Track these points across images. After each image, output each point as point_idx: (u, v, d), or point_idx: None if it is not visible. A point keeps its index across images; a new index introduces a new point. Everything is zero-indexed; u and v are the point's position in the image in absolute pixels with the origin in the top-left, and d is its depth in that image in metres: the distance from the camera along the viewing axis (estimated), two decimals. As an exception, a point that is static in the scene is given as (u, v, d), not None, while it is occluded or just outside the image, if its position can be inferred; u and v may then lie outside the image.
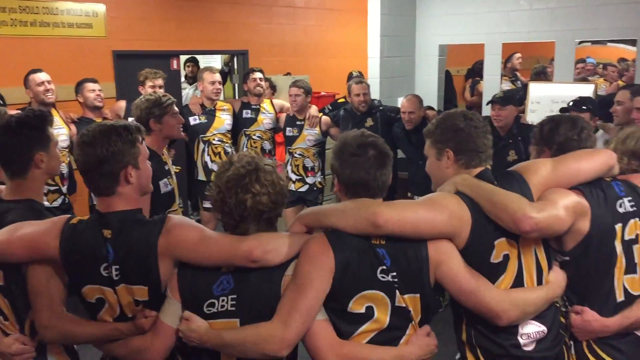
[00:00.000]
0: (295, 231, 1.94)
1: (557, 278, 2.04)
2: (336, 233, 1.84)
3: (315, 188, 5.32)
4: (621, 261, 2.11)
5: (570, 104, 4.18)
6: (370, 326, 1.84)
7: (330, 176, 5.66)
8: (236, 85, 6.96)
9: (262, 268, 1.81)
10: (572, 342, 2.14)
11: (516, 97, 4.84)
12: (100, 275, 1.86)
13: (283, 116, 5.41)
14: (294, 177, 5.30)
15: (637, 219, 2.14)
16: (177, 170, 3.64)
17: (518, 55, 7.33)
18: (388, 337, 1.86)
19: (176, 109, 3.39)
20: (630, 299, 2.12)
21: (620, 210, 2.11)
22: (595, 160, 2.11)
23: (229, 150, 5.17)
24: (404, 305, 1.85)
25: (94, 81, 4.74)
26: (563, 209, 1.95)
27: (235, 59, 6.95)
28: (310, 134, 5.27)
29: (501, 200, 1.89)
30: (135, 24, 5.73)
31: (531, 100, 6.08)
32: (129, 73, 5.54)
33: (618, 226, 2.10)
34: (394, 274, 1.83)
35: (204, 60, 8.87)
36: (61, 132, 4.50)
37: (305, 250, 1.84)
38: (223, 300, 1.82)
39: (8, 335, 2.04)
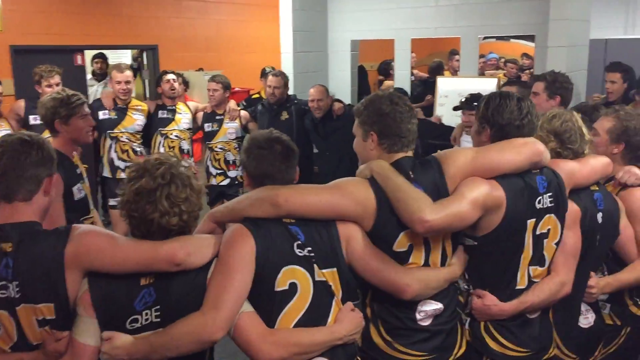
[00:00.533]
0: (204, 230, 1.96)
1: (459, 261, 2.14)
2: (251, 219, 1.90)
3: (236, 182, 5.31)
4: (528, 252, 2.18)
5: (462, 101, 4.32)
6: (295, 304, 1.87)
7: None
8: (146, 81, 6.78)
9: (184, 274, 1.76)
10: (467, 319, 2.24)
11: (414, 93, 4.98)
12: None
13: (200, 115, 5.35)
14: (214, 171, 5.28)
15: (553, 214, 2.19)
16: (85, 168, 3.48)
17: (413, 55, 7.58)
18: (314, 315, 1.90)
19: (87, 110, 3.13)
20: (531, 285, 2.22)
21: (538, 206, 2.15)
22: (521, 154, 2.10)
23: (138, 149, 5.05)
24: (324, 279, 1.91)
25: None
26: (470, 204, 1.99)
27: (144, 54, 6.76)
28: (230, 128, 5.25)
29: (403, 198, 1.94)
30: (35, 18, 5.45)
31: (439, 95, 6.29)
32: (28, 69, 5.23)
33: (531, 221, 2.14)
34: (309, 248, 1.89)
35: (113, 56, 8.57)
36: None
37: (225, 239, 1.86)
38: (147, 314, 1.76)
39: None
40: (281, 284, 1.86)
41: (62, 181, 2.78)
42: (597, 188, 2.42)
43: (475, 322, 2.23)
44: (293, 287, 1.87)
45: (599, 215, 2.37)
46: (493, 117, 2.18)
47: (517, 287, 2.19)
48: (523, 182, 2.12)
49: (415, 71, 7.28)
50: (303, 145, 5.27)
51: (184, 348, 1.72)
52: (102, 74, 6.84)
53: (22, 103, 4.76)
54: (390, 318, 2.09)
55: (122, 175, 4.93)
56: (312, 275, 1.89)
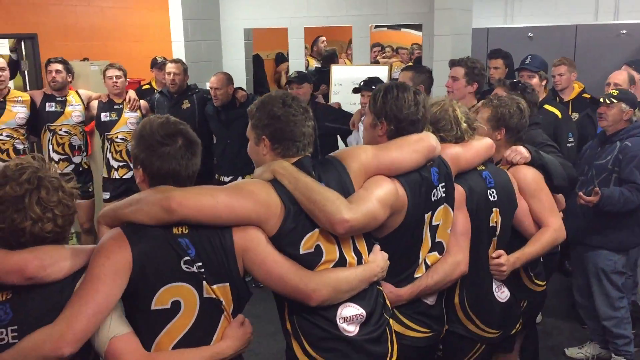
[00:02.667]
0: (103, 232, 1.80)
1: (375, 258, 2.05)
2: (134, 226, 1.73)
3: None
4: (427, 243, 2.25)
5: (362, 83, 4.44)
6: (178, 322, 1.75)
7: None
8: (26, 72, 6.32)
9: (45, 289, 1.62)
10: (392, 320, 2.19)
11: (310, 76, 5.06)
12: None
13: (94, 104, 5.06)
14: (116, 164, 5.04)
15: (445, 204, 2.25)
16: None
17: (323, 38, 7.60)
18: (199, 334, 1.78)
19: None
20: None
21: (433, 198, 2.20)
22: (418, 151, 2.12)
23: (20, 147, 4.71)
24: (214, 296, 1.78)
25: None
26: (379, 204, 1.97)
27: (22, 43, 6.30)
28: (132, 117, 5.04)
29: (319, 199, 1.86)
30: None
31: (334, 83, 6.37)
32: None
33: (427, 214, 2.20)
34: (200, 264, 1.75)
35: (-12, 46, 7.93)
36: None
37: (99, 246, 1.71)
38: (2, 334, 1.60)
39: None
40: (161, 302, 1.72)
41: None
42: (484, 167, 2.52)
43: None
44: (176, 306, 1.74)
45: (491, 192, 2.47)
46: (392, 111, 2.15)
47: (416, 275, 2.24)
48: (420, 177, 2.15)
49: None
50: (204, 135, 5.17)
51: None
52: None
53: None
54: (314, 329, 1.94)
55: None
56: (200, 293, 1.76)
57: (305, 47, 7.01)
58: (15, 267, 1.57)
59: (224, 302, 1.81)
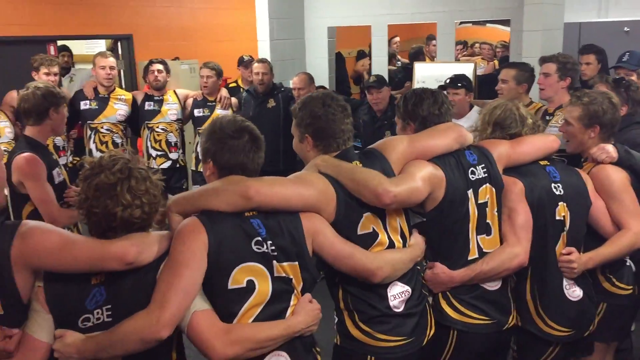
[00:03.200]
0: (175, 220, 1.91)
1: (417, 241, 2.26)
2: (207, 213, 1.87)
3: None
4: (474, 222, 2.33)
5: (447, 81, 4.39)
6: (254, 300, 1.86)
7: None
8: (121, 71, 6.68)
9: (134, 273, 1.75)
10: (431, 297, 2.36)
11: (395, 79, 5.03)
12: None
13: (190, 102, 5.29)
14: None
15: (488, 184, 2.36)
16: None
17: (397, 39, 7.58)
18: (274, 310, 1.89)
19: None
20: (483, 256, 2.34)
21: (472, 177, 2.33)
22: (448, 137, 2.32)
23: (118, 141, 4.99)
24: (284, 274, 1.90)
25: None
26: (420, 181, 2.17)
27: (119, 44, 6.66)
28: (222, 114, 5.16)
29: (362, 177, 2.06)
30: (5, 8, 5.33)
31: (417, 80, 6.31)
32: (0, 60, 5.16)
33: (470, 192, 2.32)
34: (270, 242, 1.88)
35: (86, 46, 8.43)
36: None
37: (177, 233, 1.83)
38: (98, 313, 1.75)
39: None
40: (236, 282, 1.84)
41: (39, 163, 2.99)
42: (548, 162, 2.54)
43: (436, 296, 2.35)
44: (250, 285, 1.85)
45: (556, 186, 2.47)
46: (414, 111, 2.39)
47: (470, 258, 2.33)
48: (455, 159, 2.32)
49: (398, 56, 7.30)
50: (290, 133, 5.30)
51: (129, 347, 1.71)
52: (67, 68, 6.74)
53: (14, 94, 4.66)
54: (366, 308, 2.14)
55: None
56: (271, 272, 1.88)
57: (394, 43, 6.98)
58: (116, 255, 1.70)
59: (293, 280, 1.92)
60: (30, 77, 4.50)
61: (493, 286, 2.37)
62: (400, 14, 6.60)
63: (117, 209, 1.73)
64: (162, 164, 5.14)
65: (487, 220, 2.37)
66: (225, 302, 1.84)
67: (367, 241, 2.13)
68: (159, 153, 5.16)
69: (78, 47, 7.06)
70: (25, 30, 5.49)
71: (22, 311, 1.75)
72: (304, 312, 1.92)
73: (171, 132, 5.19)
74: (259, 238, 1.87)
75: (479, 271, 2.31)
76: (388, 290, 2.15)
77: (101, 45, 8.34)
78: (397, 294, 2.16)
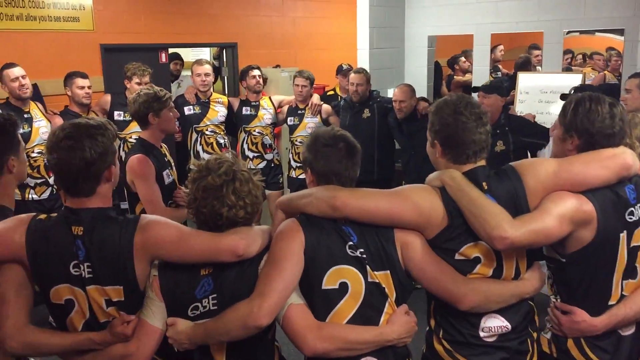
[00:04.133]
0: (280, 217, 2.04)
1: (532, 276, 2.02)
2: (305, 215, 1.94)
3: None
4: (622, 266, 2.04)
5: (572, 91, 4.18)
6: (346, 303, 1.88)
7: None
8: (225, 77, 6.94)
9: (238, 265, 1.84)
10: (544, 335, 2.14)
11: (503, 87, 4.84)
12: (69, 274, 1.81)
13: (285, 108, 5.47)
14: (295, 164, 5.42)
15: None
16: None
17: (501, 47, 7.37)
18: (366, 315, 1.89)
19: (172, 103, 3.44)
20: (622, 299, 2.08)
21: (629, 218, 2.01)
22: (608, 169, 1.97)
23: (222, 141, 5.28)
24: (377, 281, 1.89)
25: (84, 76, 4.70)
26: (556, 220, 1.88)
27: (224, 51, 6.92)
28: (310, 122, 5.35)
29: (480, 213, 1.86)
30: (123, 17, 5.69)
31: (520, 91, 6.10)
32: (117, 67, 5.50)
33: (623, 234, 2.01)
34: (362, 250, 1.89)
35: (192, 54, 8.83)
36: (41, 124, 4.51)
37: (278, 232, 1.92)
38: (205, 302, 1.85)
39: None
40: (330, 282, 1.88)
41: (149, 164, 3.14)
42: None
43: (562, 338, 2.11)
44: (343, 287, 1.88)
45: None
46: (582, 125, 2.02)
47: (610, 303, 2.06)
48: (612, 194, 1.98)
49: (499, 65, 7.12)
50: (385, 143, 5.24)
51: (233, 333, 1.80)
52: (177, 75, 7.12)
53: (108, 98, 5.01)
54: (453, 331, 2.02)
55: None
56: (365, 276, 1.89)
57: (500, 51, 6.80)
58: (229, 248, 1.80)
59: (386, 289, 1.91)
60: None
61: (628, 331, 2.11)
62: (504, 23, 6.45)
63: (223, 209, 1.84)
64: (258, 164, 5.38)
65: (636, 264, 2.07)
66: (319, 302, 1.88)
67: (466, 267, 1.95)
68: (256, 154, 5.40)
69: (185, 54, 7.42)
70: (140, 39, 5.83)
71: (140, 298, 1.86)
72: (398, 323, 1.91)
73: (266, 135, 5.42)
74: (352, 243, 1.90)
75: (623, 317, 2.05)
76: (482, 321, 1.97)
77: (206, 52, 8.72)
78: (493, 327, 1.98)
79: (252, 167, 5.28)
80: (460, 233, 1.92)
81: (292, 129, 5.42)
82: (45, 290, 1.85)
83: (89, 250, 1.79)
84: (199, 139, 5.21)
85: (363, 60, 6.65)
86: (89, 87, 4.69)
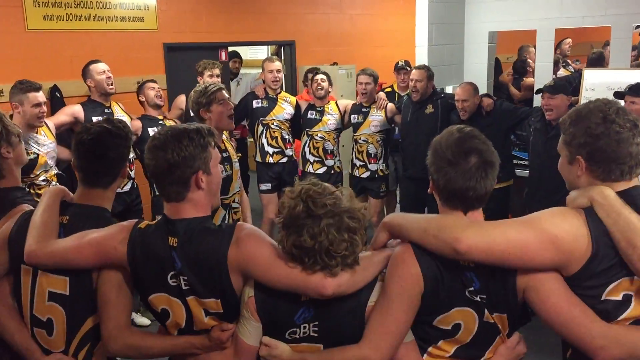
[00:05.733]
0: (381, 241, 1.85)
1: None
2: (423, 249, 1.72)
3: (377, 175, 5.37)
4: None
5: (627, 89, 4.02)
6: (455, 339, 1.78)
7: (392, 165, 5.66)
8: (283, 75, 6.99)
9: (342, 299, 1.73)
10: None
11: (569, 86, 4.68)
12: (167, 285, 1.80)
13: (349, 107, 5.45)
14: (358, 163, 5.41)
15: None
16: (238, 156, 3.74)
17: (568, 40, 7.13)
18: (474, 350, 1.79)
19: (225, 94, 3.37)
20: None
21: None
22: None
23: (287, 137, 5.35)
24: (492, 321, 1.76)
25: (153, 81, 4.84)
26: None
27: (282, 49, 6.98)
28: (375, 120, 5.32)
29: None
30: (185, 17, 5.82)
31: (585, 87, 5.89)
32: (179, 65, 5.65)
33: None
34: (483, 295, 1.72)
35: (250, 52, 8.96)
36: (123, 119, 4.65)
37: (392, 269, 1.75)
38: (305, 327, 1.77)
39: (50, 354, 1.97)
40: (442, 323, 1.75)
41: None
42: None
43: None
44: (455, 328, 1.76)
45: None
46: None
47: None
48: None
49: (568, 60, 6.90)
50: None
51: None
52: (236, 73, 7.23)
53: (183, 97, 5.14)
54: None
55: (271, 160, 5.31)
56: (481, 317, 1.75)
57: (566, 44, 6.60)
58: (315, 287, 1.68)
59: (500, 327, 1.78)
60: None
61: None
62: (569, 18, 6.24)
63: (316, 267, 1.70)
64: (318, 169, 5.37)
65: None
66: (424, 334, 1.79)
67: (612, 310, 1.64)
68: (316, 159, 5.39)
69: (242, 53, 7.52)
70: (201, 37, 5.94)
71: (238, 309, 1.82)
72: (506, 356, 1.79)
73: (329, 140, 5.37)
74: (473, 289, 1.71)
75: None
76: None
77: (263, 51, 8.82)
78: None
79: (312, 171, 5.31)
80: (609, 267, 1.62)
81: (356, 127, 5.38)
82: (145, 296, 1.87)
83: (184, 262, 1.76)
84: (264, 132, 5.30)
85: (421, 57, 6.58)
86: (159, 89, 4.82)
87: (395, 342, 1.71)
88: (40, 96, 3.89)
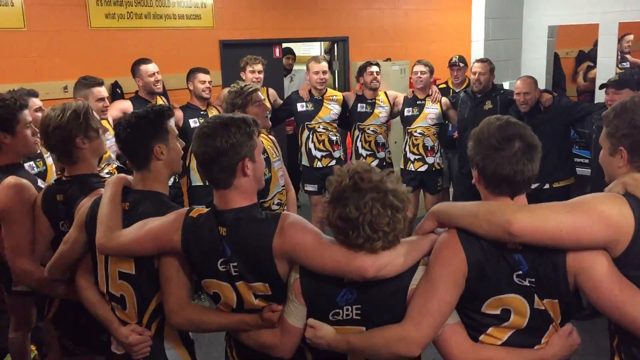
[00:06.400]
0: (427, 228, 1.87)
1: None
2: (468, 233, 1.75)
3: (434, 169, 5.30)
4: None
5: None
6: (507, 325, 1.77)
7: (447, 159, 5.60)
8: (336, 72, 6.99)
9: (384, 282, 1.77)
10: None
11: (633, 80, 4.50)
12: (217, 271, 1.91)
13: (400, 100, 5.39)
14: (412, 157, 5.31)
15: None
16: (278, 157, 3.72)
17: (630, 37, 6.85)
18: (525, 339, 1.78)
19: (260, 96, 3.40)
20: None
21: None
22: None
23: (334, 138, 5.26)
24: (543, 308, 1.75)
25: (206, 72, 4.90)
26: None
27: (335, 46, 6.98)
28: (431, 113, 5.25)
29: None
30: (240, 14, 5.89)
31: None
32: (234, 61, 5.71)
33: None
34: (532, 279, 1.72)
35: (303, 48, 9.00)
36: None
37: (437, 252, 1.79)
38: (348, 310, 1.82)
39: (125, 325, 2.13)
40: (490, 308, 1.76)
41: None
42: None
43: None
44: (505, 314, 1.76)
45: None
46: None
47: None
48: None
49: (629, 57, 6.65)
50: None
51: (379, 356, 1.78)
52: (289, 70, 7.26)
53: (226, 91, 5.19)
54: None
55: (319, 164, 5.20)
56: (531, 304, 1.74)
57: (626, 42, 6.36)
58: (358, 270, 1.73)
59: (552, 315, 1.77)
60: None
61: None
62: (634, 11, 5.99)
63: (359, 240, 1.73)
64: (370, 162, 5.27)
65: None
66: (476, 322, 1.79)
67: None
68: (368, 152, 5.35)
69: (295, 49, 7.56)
70: (256, 34, 6.01)
71: (285, 291, 1.90)
72: (559, 345, 1.78)
73: (380, 133, 5.35)
74: (521, 272, 1.72)
75: None
76: None
77: (316, 47, 8.84)
78: None
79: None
80: None
81: (410, 120, 5.28)
82: (199, 280, 2.00)
83: (233, 250, 1.87)
84: (310, 136, 5.19)
85: (477, 53, 6.44)
86: (210, 82, 4.88)
87: (438, 321, 1.73)
88: (103, 91, 4.05)
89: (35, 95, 3.63)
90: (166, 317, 2.02)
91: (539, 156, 1.77)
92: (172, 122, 2.19)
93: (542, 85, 6.48)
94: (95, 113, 2.50)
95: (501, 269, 1.72)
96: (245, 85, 3.39)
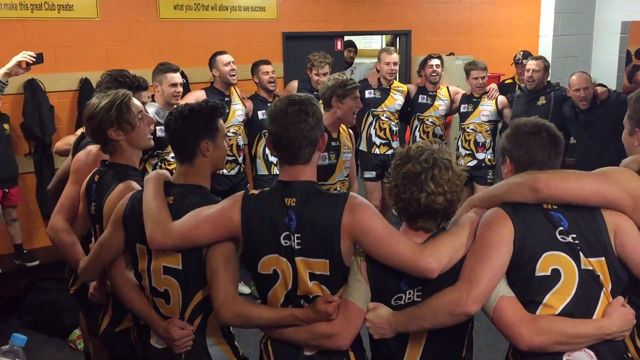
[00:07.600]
0: (464, 214, 1.98)
1: None
2: (509, 204, 1.89)
3: (483, 164, 5.32)
4: None
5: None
6: (559, 290, 1.79)
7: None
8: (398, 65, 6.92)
9: None
10: None
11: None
12: (279, 245, 1.89)
13: (459, 97, 5.48)
14: (463, 152, 5.39)
15: None
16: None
17: None
18: (581, 305, 1.79)
19: (358, 94, 3.57)
20: None
21: None
22: None
23: (395, 129, 5.37)
24: (591, 268, 1.80)
25: (268, 63, 4.98)
26: None
27: (397, 39, 6.91)
28: (485, 110, 5.29)
29: None
30: (304, 6, 5.92)
31: None
32: (296, 54, 5.76)
33: None
34: (574, 235, 1.81)
35: (364, 42, 8.96)
36: (237, 107, 4.84)
37: (483, 222, 1.89)
38: (410, 293, 1.88)
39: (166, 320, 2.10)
40: (542, 269, 1.80)
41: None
42: None
43: None
44: (556, 274, 1.79)
45: None
46: None
47: None
48: None
49: None
50: (558, 134, 5.01)
51: (438, 320, 1.80)
52: (350, 62, 7.25)
53: (295, 84, 5.28)
54: None
55: (377, 151, 5.33)
56: (578, 263, 1.79)
57: None
58: (423, 270, 1.79)
59: (601, 277, 1.81)
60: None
61: None
62: None
63: (421, 195, 1.83)
64: None
65: None
66: (530, 290, 1.82)
67: None
68: None
69: (356, 42, 7.53)
70: (318, 27, 6.01)
71: (343, 274, 1.90)
72: (617, 315, 1.79)
73: (439, 125, 5.46)
74: (562, 228, 1.82)
75: None
76: None
77: (377, 40, 8.79)
78: None
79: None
80: None
81: (465, 116, 5.37)
82: (255, 262, 1.96)
83: (300, 222, 1.87)
84: (373, 123, 5.32)
85: (545, 48, 6.27)
86: (273, 72, 4.96)
87: (490, 283, 1.77)
88: (177, 77, 4.12)
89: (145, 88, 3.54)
90: (215, 312, 1.99)
91: (562, 149, 1.97)
92: (221, 121, 2.18)
93: (613, 82, 6.26)
94: (137, 103, 2.45)
95: (544, 226, 1.83)
96: (350, 79, 3.56)
